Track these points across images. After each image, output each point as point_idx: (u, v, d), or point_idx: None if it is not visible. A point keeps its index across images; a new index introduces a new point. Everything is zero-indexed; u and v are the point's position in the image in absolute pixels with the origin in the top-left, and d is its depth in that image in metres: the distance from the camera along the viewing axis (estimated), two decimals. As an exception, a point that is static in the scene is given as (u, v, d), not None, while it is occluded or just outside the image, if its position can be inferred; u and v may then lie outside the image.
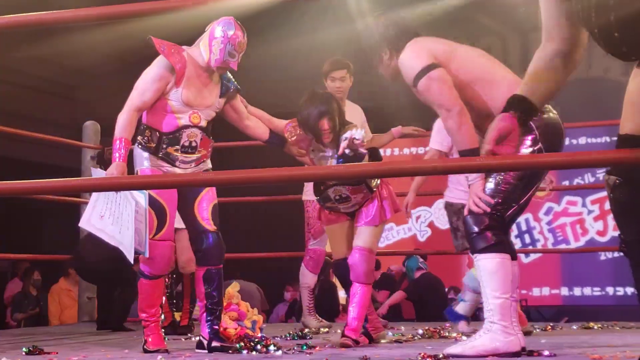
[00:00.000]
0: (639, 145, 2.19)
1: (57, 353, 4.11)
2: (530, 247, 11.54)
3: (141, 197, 4.03)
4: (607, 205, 10.48)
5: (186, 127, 4.15)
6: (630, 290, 11.10)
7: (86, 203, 6.69)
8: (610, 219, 11.36)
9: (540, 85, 2.41)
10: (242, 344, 4.14)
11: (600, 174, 10.79)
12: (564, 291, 11.73)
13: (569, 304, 11.58)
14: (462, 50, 3.92)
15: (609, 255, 11.34)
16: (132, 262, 4.13)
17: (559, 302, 11.64)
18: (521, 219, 10.80)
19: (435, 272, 8.96)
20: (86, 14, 2.75)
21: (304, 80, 11.58)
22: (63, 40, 10.20)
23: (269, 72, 11.34)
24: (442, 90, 3.70)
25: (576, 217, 11.77)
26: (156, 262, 4.16)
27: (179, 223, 4.40)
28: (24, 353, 4.04)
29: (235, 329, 4.64)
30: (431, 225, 12.42)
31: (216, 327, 4.17)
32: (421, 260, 8.76)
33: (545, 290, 11.73)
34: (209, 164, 4.32)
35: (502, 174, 3.58)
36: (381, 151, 5.05)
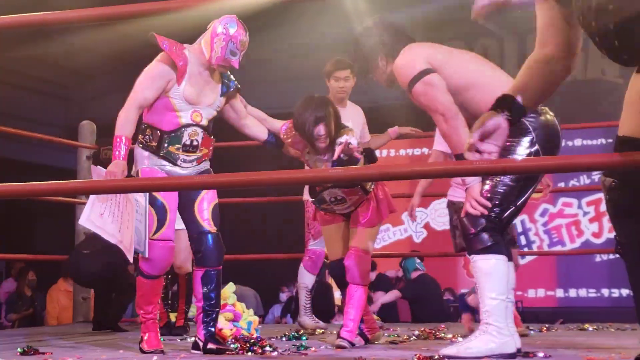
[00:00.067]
0: (635, 147, 2.19)
1: (51, 353, 4.10)
2: (526, 249, 11.55)
3: (141, 196, 4.02)
4: (603, 207, 10.52)
5: (187, 125, 4.14)
6: (625, 291, 11.11)
7: (82, 203, 6.72)
8: (606, 220, 11.39)
9: (531, 85, 2.41)
10: (238, 345, 4.14)
11: (596, 175, 10.81)
12: (559, 293, 11.74)
13: (564, 305, 11.59)
14: (456, 55, 3.95)
15: (604, 257, 11.35)
16: (131, 261, 4.13)
17: (554, 304, 11.66)
18: (517, 221, 10.82)
19: (431, 274, 8.97)
20: (88, 15, 2.74)
21: (301, 81, 11.61)
22: (59, 41, 10.21)
23: (265, 72, 11.35)
24: (436, 95, 3.71)
25: (572, 219, 11.79)
26: (155, 263, 4.15)
27: (176, 224, 4.38)
28: (18, 353, 4.03)
29: (231, 329, 4.64)
30: (427, 226, 12.42)
31: (212, 329, 4.16)
32: (418, 261, 8.77)
33: (541, 292, 11.74)
34: (207, 165, 4.31)
35: (499, 175, 3.58)
36: (377, 152, 5.05)
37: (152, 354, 4.09)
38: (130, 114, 4.07)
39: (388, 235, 12.50)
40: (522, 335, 4.18)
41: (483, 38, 11.69)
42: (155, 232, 4.11)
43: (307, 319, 5.81)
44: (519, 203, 3.65)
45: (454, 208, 5.38)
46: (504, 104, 2.33)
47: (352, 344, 4.34)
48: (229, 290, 4.82)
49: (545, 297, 11.73)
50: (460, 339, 4.40)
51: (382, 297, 8.87)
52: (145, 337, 4.21)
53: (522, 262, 11.06)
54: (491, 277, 3.56)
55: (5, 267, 12.43)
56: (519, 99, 2.34)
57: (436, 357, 3.53)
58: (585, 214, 11.73)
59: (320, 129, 4.22)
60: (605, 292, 11.52)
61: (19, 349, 4.07)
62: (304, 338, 4.91)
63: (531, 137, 3.57)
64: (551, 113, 3.69)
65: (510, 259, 3.65)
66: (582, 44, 2.37)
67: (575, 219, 11.77)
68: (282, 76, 12.13)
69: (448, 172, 2.98)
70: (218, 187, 3.92)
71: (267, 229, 11.85)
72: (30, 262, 10.55)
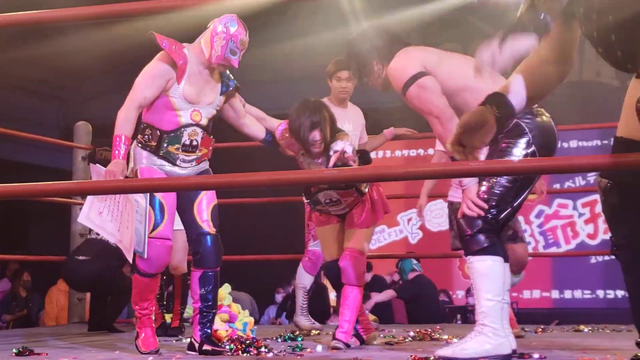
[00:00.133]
0: (631, 148, 2.19)
1: (47, 354, 4.09)
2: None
3: (142, 197, 4.01)
4: (598, 209, 10.53)
5: (187, 125, 4.13)
6: (620, 293, 11.13)
7: (77, 204, 6.72)
8: (601, 222, 11.41)
9: (526, 83, 2.41)
10: (234, 346, 4.13)
11: (591, 177, 10.83)
12: (555, 294, 11.76)
13: (559, 306, 11.61)
14: (450, 58, 3.96)
15: (600, 258, 11.37)
16: (130, 261, 4.12)
17: (550, 305, 11.67)
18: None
19: (427, 275, 9.00)
20: (83, 13, 2.74)
21: (297, 82, 11.61)
22: (54, 42, 10.18)
23: (262, 73, 11.34)
24: (430, 98, 3.72)
25: (567, 220, 11.81)
26: (152, 261, 4.13)
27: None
28: (14, 354, 4.02)
29: (227, 330, 4.64)
30: (422, 227, 12.43)
31: (208, 330, 4.15)
32: (415, 262, 8.79)
33: (536, 293, 11.75)
34: (206, 165, 4.31)
35: (496, 176, 3.59)
36: (373, 154, 5.06)
37: (148, 354, 4.09)
38: (130, 113, 4.06)
39: (383, 237, 12.51)
40: (517, 337, 4.18)
41: (478, 39, 11.68)
42: (153, 230, 4.10)
43: (303, 319, 5.82)
44: (515, 204, 3.65)
45: (452, 208, 5.38)
46: (494, 101, 2.33)
47: (348, 345, 4.34)
48: (224, 291, 4.82)
49: (541, 299, 11.74)
50: (455, 340, 4.40)
51: (377, 296, 8.87)
52: (142, 336, 4.21)
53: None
54: (487, 278, 3.56)
55: (0, 267, 12.41)
56: (511, 97, 2.34)
57: (432, 358, 3.53)
58: (580, 215, 11.75)
59: (316, 135, 4.22)
60: (600, 293, 11.53)
61: (14, 350, 4.06)
62: (299, 339, 4.91)
63: (527, 139, 3.59)
64: (547, 114, 3.70)
65: (506, 260, 3.65)
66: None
67: (571, 221, 11.79)
68: (279, 77, 12.14)
69: (443, 173, 2.98)
70: (216, 187, 3.91)
71: (265, 230, 11.84)
72: (25, 263, 10.54)
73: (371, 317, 8.06)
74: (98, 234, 5.78)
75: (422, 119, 3.87)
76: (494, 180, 3.59)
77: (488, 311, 3.54)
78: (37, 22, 2.88)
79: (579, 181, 11.34)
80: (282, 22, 10.48)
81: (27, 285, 10.38)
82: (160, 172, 4.14)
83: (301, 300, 5.84)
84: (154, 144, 4.14)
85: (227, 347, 4.16)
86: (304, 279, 5.82)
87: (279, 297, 11.22)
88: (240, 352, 4.05)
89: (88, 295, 6.61)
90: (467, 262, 3.65)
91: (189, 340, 4.29)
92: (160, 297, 5.55)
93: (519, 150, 3.58)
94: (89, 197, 4.24)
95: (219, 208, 4.27)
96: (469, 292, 10.46)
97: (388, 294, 8.90)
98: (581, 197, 11.69)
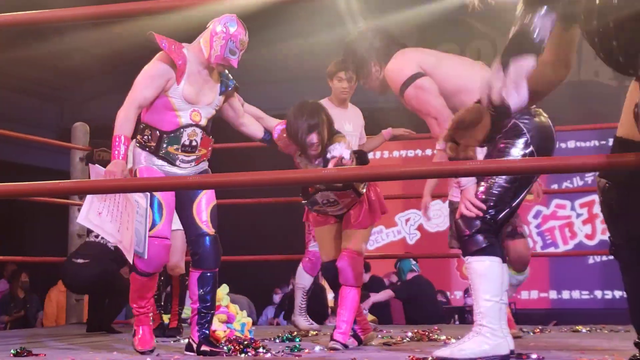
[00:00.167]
0: (628, 148, 2.20)
1: (45, 355, 4.09)
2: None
3: (142, 198, 4.01)
4: (596, 209, 10.52)
5: (187, 126, 4.12)
6: (618, 293, 11.14)
7: (75, 204, 6.72)
8: (599, 222, 11.42)
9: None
10: (231, 347, 4.13)
11: (589, 177, 10.84)
12: (553, 294, 11.76)
13: (557, 307, 11.61)
14: (447, 60, 3.97)
15: (597, 258, 11.38)
16: (131, 262, 4.11)
17: (548, 306, 11.67)
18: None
19: (424, 275, 8.99)
20: (81, 13, 2.73)
21: (296, 82, 11.60)
22: (52, 42, 10.18)
23: (261, 73, 11.34)
24: (428, 99, 3.73)
25: (565, 221, 11.81)
26: (150, 260, 4.12)
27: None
28: (12, 354, 4.02)
29: (225, 331, 4.64)
30: (420, 228, 12.44)
31: (207, 331, 4.15)
32: (414, 262, 8.78)
33: (534, 294, 11.75)
34: (206, 165, 4.31)
35: (494, 176, 3.59)
36: (370, 154, 5.06)
37: (144, 354, 4.09)
38: (130, 113, 4.05)
39: (381, 237, 12.51)
40: (515, 337, 4.18)
41: (476, 40, 11.71)
42: (151, 229, 4.10)
43: (302, 319, 5.82)
44: (514, 204, 3.65)
45: (452, 208, 5.38)
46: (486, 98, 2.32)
47: (345, 346, 4.34)
48: (222, 292, 4.82)
49: (539, 299, 11.74)
50: (453, 340, 4.40)
51: (375, 296, 8.87)
52: (139, 335, 4.21)
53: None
54: (485, 278, 3.56)
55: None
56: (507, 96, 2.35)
57: (429, 358, 3.53)
58: (578, 215, 11.75)
59: (313, 138, 4.22)
60: (598, 293, 11.54)
61: (12, 351, 4.06)
62: (297, 340, 4.91)
63: (526, 139, 3.59)
64: (545, 115, 3.70)
65: (504, 260, 3.66)
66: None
67: (569, 221, 11.79)
68: (279, 77, 12.14)
69: (441, 173, 2.98)
70: (215, 187, 3.91)
71: (264, 230, 11.84)
72: (23, 264, 10.53)
73: (370, 317, 8.07)
74: (97, 237, 5.78)
75: (419, 119, 3.88)
76: (492, 180, 3.59)
77: (486, 311, 3.54)
78: (36, 22, 2.87)
79: (577, 181, 11.34)
80: (281, 23, 10.48)
81: (25, 286, 10.37)
82: (159, 172, 4.14)
83: (300, 300, 5.84)
84: (153, 144, 4.14)
85: (225, 347, 4.16)
86: (303, 280, 5.82)
87: (276, 298, 11.22)
88: (238, 352, 4.05)
89: (86, 295, 6.61)
90: (466, 262, 3.65)
91: (187, 340, 4.29)
92: (158, 297, 5.55)
93: (517, 151, 3.59)
94: (88, 198, 4.23)
95: (218, 208, 4.27)
96: (467, 292, 10.47)
97: (386, 294, 8.90)
98: (579, 198, 11.70)
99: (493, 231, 3.61)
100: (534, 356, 3.61)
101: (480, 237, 3.57)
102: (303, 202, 4.47)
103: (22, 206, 10.50)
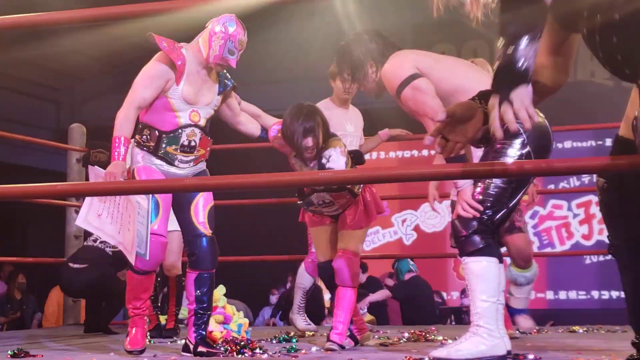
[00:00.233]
0: (628, 147, 2.20)
1: (42, 356, 4.09)
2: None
3: (144, 199, 3.99)
4: (592, 209, 10.48)
5: (186, 126, 4.12)
6: (615, 293, 11.14)
7: (72, 206, 6.72)
8: (596, 222, 11.42)
9: None
10: (228, 347, 4.13)
11: (586, 177, 10.84)
12: (549, 295, 11.76)
13: (554, 307, 11.62)
14: (443, 61, 3.99)
15: (594, 258, 11.39)
16: (132, 262, 4.11)
17: (544, 306, 11.68)
18: (507, 223, 10.83)
19: (421, 276, 8.99)
20: (80, 16, 2.73)
21: (296, 82, 11.60)
22: (48, 43, 10.17)
23: (260, 73, 11.35)
24: (425, 100, 3.73)
25: (561, 221, 11.82)
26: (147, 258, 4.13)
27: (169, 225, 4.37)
28: (9, 356, 4.02)
29: (221, 332, 4.64)
30: (417, 228, 12.44)
31: (203, 332, 4.15)
32: (412, 262, 8.78)
33: (531, 294, 11.75)
34: (204, 166, 4.31)
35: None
36: (367, 155, 5.06)
37: (131, 354, 4.11)
38: (129, 113, 4.05)
39: (378, 238, 12.51)
40: (512, 338, 4.19)
41: (472, 40, 11.71)
42: None
43: (300, 319, 5.81)
44: (511, 205, 3.65)
45: (453, 208, 5.37)
46: (484, 96, 2.31)
47: (342, 347, 4.34)
48: (219, 293, 4.82)
49: (535, 299, 11.72)
50: (450, 341, 4.40)
51: (372, 296, 8.87)
52: (131, 334, 4.21)
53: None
54: (482, 279, 3.56)
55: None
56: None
57: (426, 359, 3.53)
58: (575, 216, 11.76)
59: (309, 141, 4.23)
60: (595, 294, 11.55)
61: (9, 352, 4.06)
62: (294, 340, 4.91)
63: (522, 139, 3.59)
64: (542, 115, 3.70)
65: (501, 261, 3.66)
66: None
67: (565, 221, 11.80)
68: (278, 77, 12.14)
69: (437, 174, 2.98)
70: (214, 189, 3.91)
71: (262, 231, 11.84)
72: (20, 265, 10.52)
73: (369, 317, 8.08)
74: (94, 241, 5.77)
75: (415, 120, 3.88)
76: (489, 181, 3.59)
77: (483, 312, 3.54)
78: (34, 24, 2.87)
79: (574, 182, 11.34)
80: (281, 23, 10.49)
81: (22, 287, 10.36)
82: (157, 171, 4.14)
83: (299, 300, 5.83)
84: (152, 144, 4.14)
85: (222, 348, 4.16)
86: (304, 280, 5.82)
87: (273, 299, 11.22)
88: (234, 353, 4.05)
89: (83, 298, 6.62)
90: (463, 263, 3.65)
91: (183, 341, 4.29)
92: (155, 298, 5.55)
93: (514, 151, 3.59)
94: (87, 199, 4.22)
95: (216, 209, 4.27)
96: (463, 293, 10.47)
97: (383, 294, 8.91)
98: (576, 198, 11.71)
99: (490, 232, 3.61)
100: (530, 357, 3.62)
101: (477, 238, 3.57)
102: (299, 202, 4.47)
103: (19, 207, 10.50)
